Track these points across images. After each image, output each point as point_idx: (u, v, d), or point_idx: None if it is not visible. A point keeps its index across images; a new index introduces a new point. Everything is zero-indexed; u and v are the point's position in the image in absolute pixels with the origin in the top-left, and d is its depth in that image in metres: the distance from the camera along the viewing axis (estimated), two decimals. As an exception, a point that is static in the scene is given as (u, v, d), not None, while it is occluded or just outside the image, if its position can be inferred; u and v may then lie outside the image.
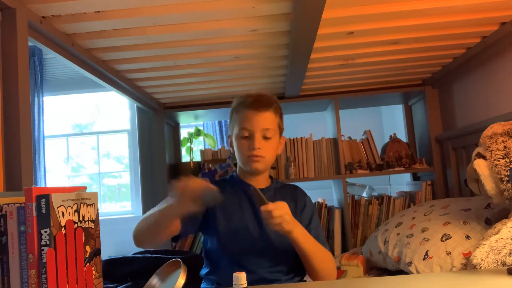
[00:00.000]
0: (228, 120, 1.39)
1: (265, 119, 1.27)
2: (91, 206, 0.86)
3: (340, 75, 2.15)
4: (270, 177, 1.42)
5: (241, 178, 1.36)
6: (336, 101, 2.47)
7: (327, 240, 2.44)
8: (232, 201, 1.30)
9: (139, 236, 1.18)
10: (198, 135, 2.71)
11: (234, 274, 0.85)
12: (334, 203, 2.72)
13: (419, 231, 1.60)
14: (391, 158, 2.49)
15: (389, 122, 3.69)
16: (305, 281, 1.34)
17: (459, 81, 2.18)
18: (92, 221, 0.86)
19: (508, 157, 1.26)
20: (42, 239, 0.73)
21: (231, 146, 1.36)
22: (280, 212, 1.08)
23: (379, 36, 1.63)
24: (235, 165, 1.40)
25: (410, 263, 1.50)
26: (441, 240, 1.46)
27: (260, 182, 1.35)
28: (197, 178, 1.05)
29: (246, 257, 1.24)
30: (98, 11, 1.28)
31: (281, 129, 1.35)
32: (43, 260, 0.73)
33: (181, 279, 0.82)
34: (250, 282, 0.92)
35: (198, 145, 3.37)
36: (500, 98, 1.80)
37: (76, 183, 4.22)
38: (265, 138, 1.27)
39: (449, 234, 1.46)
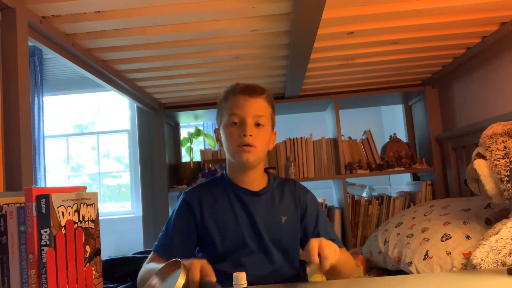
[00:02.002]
0: None
1: (257, 105, 1.17)
2: (91, 206, 0.86)
3: (340, 75, 2.15)
4: (267, 173, 1.29)
5: (231, 179, 1.24)
6: (336, 101, 2.47)
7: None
8: (225, 209, 1.21)
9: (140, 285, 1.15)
10: (198, 135, 2.71)
11: (234, 274, 0.85)
12: (334, 203, 2.72)
13: (419, 231, 1.60)
14: (391, 158, 2.49)
15: (389, 122, 3.69)
16: None
17: (459, 81, 2.18)
18: (92, 221, 0.86)
19: (508, 157, 1.26)
20: (42, 239, 0.73)
21: (218, 140, 1.25)
22: (332, 256, 0.98)
23: (379, 36, 1.63)
24: (225, 170, 1.30)
25: (410, 263, 1.50)
26: (441, 240, 1.46)
27: (255, 181, 1.23)
28: (202, 264, 0.93)
29: (245, 268, 1.16)
30: (98, 11, 1.28)
31: (273, 122, 1.24)
32: (43, 260, 0.73)
33: (181, 279, 0.82)
34: None
35: (198, 145, 3.36)
36: (500, 98, 1.80)
37: (76, 183, 4.22)
38: (258, 125, 1.16)
39: (449, 234, 1.46)
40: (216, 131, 1.27)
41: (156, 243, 1.24)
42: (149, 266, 1.17)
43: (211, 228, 1.19)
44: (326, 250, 0.96)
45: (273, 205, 1.23)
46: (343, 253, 1.18)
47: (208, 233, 1.20)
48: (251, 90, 1.19)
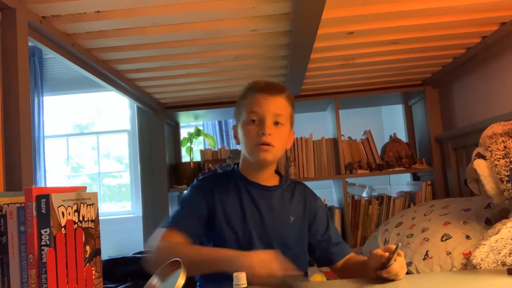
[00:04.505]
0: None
1: (277, 104, 1.15)
2: (91, 206, 0.86)
3: (340, 75, 2.15)
4: (278, 173, 1.29)
5: (243, 175, 1.22)
6: (336, 101, 2.47)
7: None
8: (234, 202, 1.19)
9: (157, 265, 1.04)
10: (198, 135, 2.71)
11: (234, 274, 0.84)
12: (334, 203, 2.71)
13: (419, 231, 1.60)
14: (391, 158, 2.49)
15: (389, 122, 3.69)
16: None
17: (459, 81, 2.18)
18: (92, 221, 0.86)
19: (508, 157, 1.26)
20: (42, 239, 0.73)
21: (235, 137, 1.23)
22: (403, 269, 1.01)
23: (379, 36, 1.63)
24: (236, 164, 1.30)
25: (410, 263, 1.50)
26: (441, 240, 1.46)
27: (266, 179, 1.22)
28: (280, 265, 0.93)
29: None
30: (98, 11, 1.28)
31: (292, 121, 1.22)
32: (43, 260, 0.73)
33: (181, 279, 0.82)
34: None
35: (198, 145, 3.36)
36: (500, 98, 1.80)
37: (76, 183, 4.22)
38: (276, 124, 1.14)
39: (449, 234, 1.46)
40: (234, 128, 1.26)
41: (170, 221, 1.16)
42: (180, 246, 1.08)
43: (219, 218, 1.17)
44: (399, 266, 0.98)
45: (283, 204, 1.22)
46: (358, 259, 1.19)
47: (216, 222, 1.17)
48: (271, 89, 1.17)
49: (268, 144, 1.13)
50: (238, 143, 1.22)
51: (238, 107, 1.23)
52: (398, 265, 0.97)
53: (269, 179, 1.24)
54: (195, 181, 1.26)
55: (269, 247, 1.16)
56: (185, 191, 2.51)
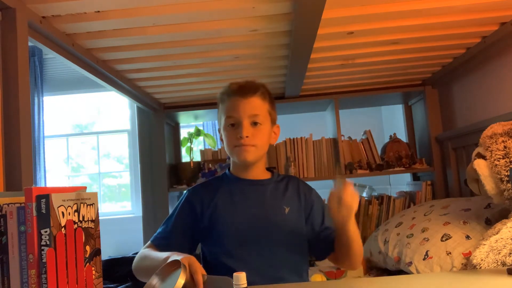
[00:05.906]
0: None
1: (252, 105, 1.18)
2: (91, 206, 0.86)
3: (340, 75, 2.15)
4: (270, 170, 1.32)
5: (234, 174, 1.27)
6: (336, 101, 2.47)
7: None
8: (224, 201, 1.22)
9: (138, 274, 1.18)
10: (198, 135, 2.71)
11: (234, 274, 0.85)
12: (334, 203, 2.71)
13: (419, 231, 1.61)
14: (391, 158, 2.49)
15: (389, 122, 3.68)
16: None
17: (459, 81, 2.18)
18: (92, 221, 0.86)
19: (508, 157, 1.26)
20: (42, 239, 0.73)
21: (222, 140, 1.27)
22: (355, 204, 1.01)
23: (379, 36, 1.63)
24: (228, 168, 1.32)
25: (410, 263, 1.50)
26: (441, 240, 1.46)
27: (257, 175, 1.25)
28: (189, 261, 0.93)
29: (244, 261, 1.16)
30: (98, 11, 1.28)
31: (272, 117, 1.25)
32: (43, 260, 0.73)
33: (181, 279, 0.82)
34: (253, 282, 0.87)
35: (198, 145, 3.36)
36: (500, 98, 1.80)
37: (76, 183, 4.22)
38: (254, 124, 1.18)
39: (449, 234, 1.46)
40: (220, 131, 1.29)
41: (154, 234, 1.26)
42: (144, 252, 1.19)
43: (211, 221, 1.20)
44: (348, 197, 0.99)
45: (276, 195, 1.24)
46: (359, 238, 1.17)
47: (208, 227, 1.20)
48: (244, 90, 1.20)
49: (246, 145, 1.16)
50: (224, 145, 1.26)
51: (218, 112, 1.27)
52: (347, 195, 0.99)
53: (260, 175, 1.26)
54: (186, 191, 1.31)
55: (264, 239, 1.17)
56: (184, 191, 2.51)
